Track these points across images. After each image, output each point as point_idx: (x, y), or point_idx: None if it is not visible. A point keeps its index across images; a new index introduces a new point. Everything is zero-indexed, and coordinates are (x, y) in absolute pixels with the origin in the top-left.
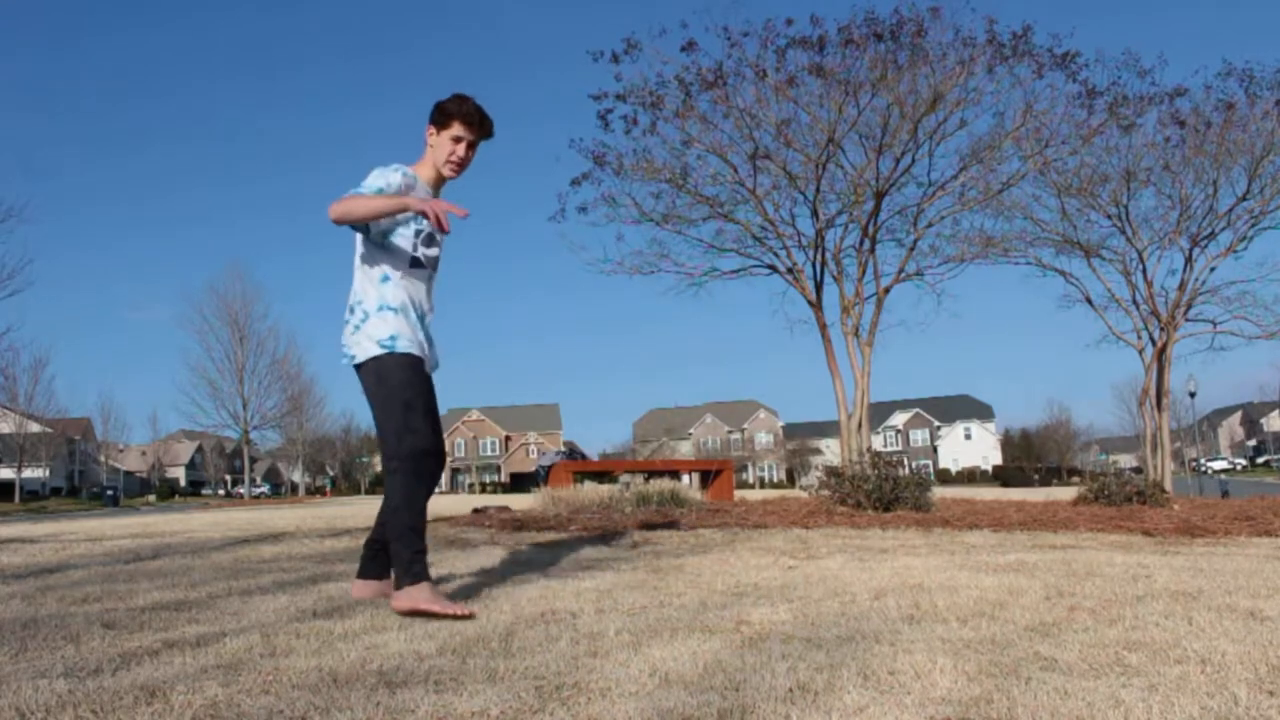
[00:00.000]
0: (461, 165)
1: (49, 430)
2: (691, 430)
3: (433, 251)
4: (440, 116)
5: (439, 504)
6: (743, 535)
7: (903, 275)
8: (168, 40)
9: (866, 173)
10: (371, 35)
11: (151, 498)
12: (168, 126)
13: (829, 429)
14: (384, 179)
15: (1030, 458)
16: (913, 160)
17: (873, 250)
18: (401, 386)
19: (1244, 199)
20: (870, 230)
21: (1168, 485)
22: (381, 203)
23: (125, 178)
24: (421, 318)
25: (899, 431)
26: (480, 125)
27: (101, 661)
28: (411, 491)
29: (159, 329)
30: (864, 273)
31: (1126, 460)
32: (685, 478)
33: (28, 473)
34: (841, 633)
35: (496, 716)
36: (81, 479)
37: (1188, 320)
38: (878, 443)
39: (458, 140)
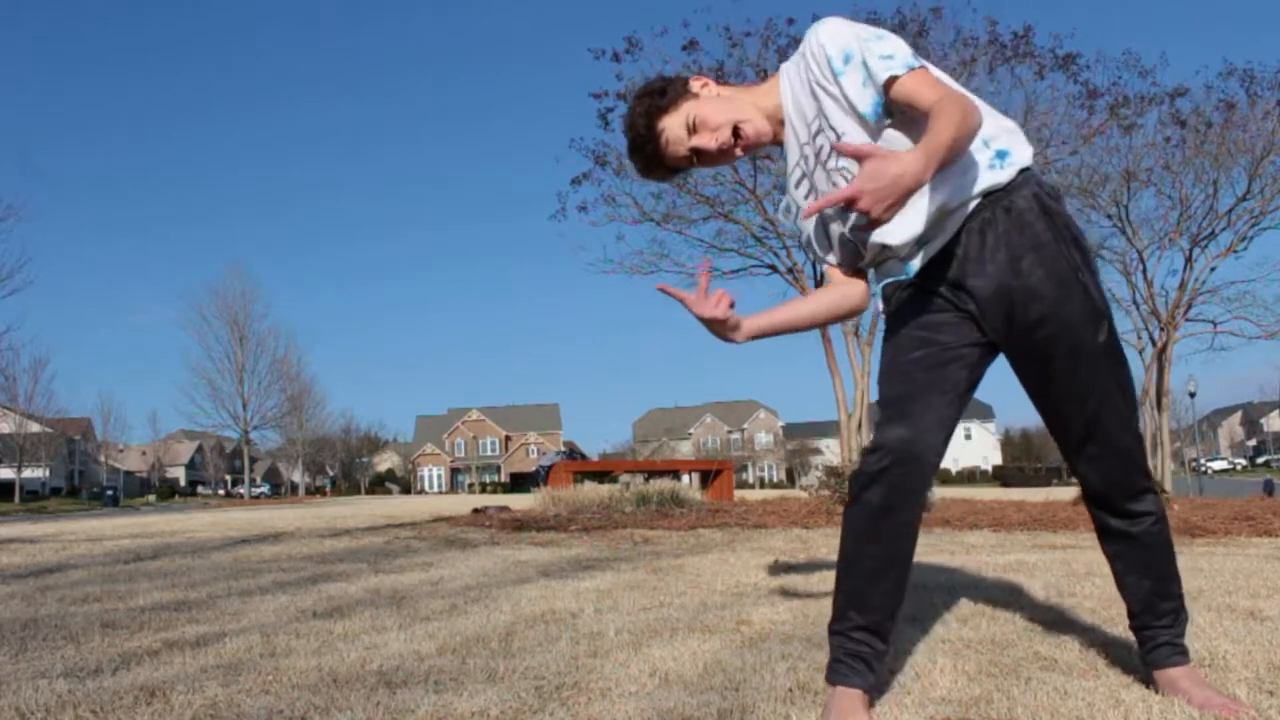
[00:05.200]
0: (716, 157)
1: (49, 430)
2: (691, 430)
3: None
4: None
5: (439, 504)
6: (743, 535)
7: None
8: (167, 36)
9: None
10: (370, 30)
11: (151, 498)
12: (168, 125)
13: (829, 429)
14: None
15: (1030, 458)
16: None
17: None
18: None
19: (1244, 199)
20: None
21: (1168, 485)
22: None
23: (125, 177)
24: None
25: None
26: (646, 170)
27: (101, 661)
28: None
29: (159, 329)
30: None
31: None
32: (685, 478)
33: (28, 473)
34: None
35: (496, 716)
36: (81, 479)
37: (1188, 320)
38: None
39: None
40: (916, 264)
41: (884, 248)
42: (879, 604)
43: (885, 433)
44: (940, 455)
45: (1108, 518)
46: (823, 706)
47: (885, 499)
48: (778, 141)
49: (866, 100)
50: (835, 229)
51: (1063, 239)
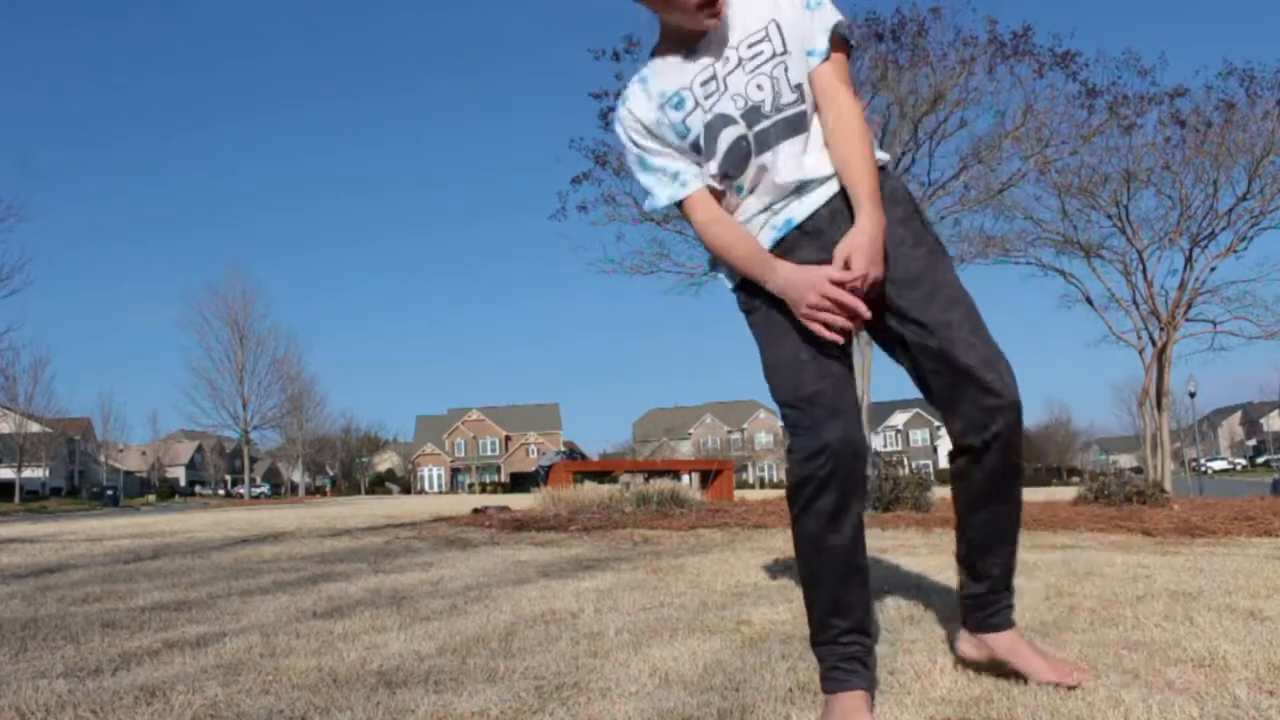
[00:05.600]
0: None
1: (49, 430)
2: (691, 430)
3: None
4: None
5: (439, 504)
6: (743, 535)
7: None
8: (167, 37)
9: None
10: (370, 30)
11: (151, 498)
12: (168, 125)
13: None
14: (622, 141)
15: (1030, 458)
16: (913, 160)
17: None
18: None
19: (1244, 199)
20: None
21: (1168, 485)
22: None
23: (126, 177)
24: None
25: (899, 431)
26: None
27: (101, 661)
28: None
29: (159, 329)
30: None
31: (1126, 460)
32: (685, 478)
33: (28, 473)
34: None
35: (496, 716)
36: (81, 479)
37: (1188, 320)
38: (878, 443)
39: None
40: (797, 217)
41: (762, 168)
42: (857, 601)
43: (824, 434)
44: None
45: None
46: (821, 711)
47: (837, 503)
48: (701, 31)
49: (811, 43)
50: (730, 133)
51: (927, 222)
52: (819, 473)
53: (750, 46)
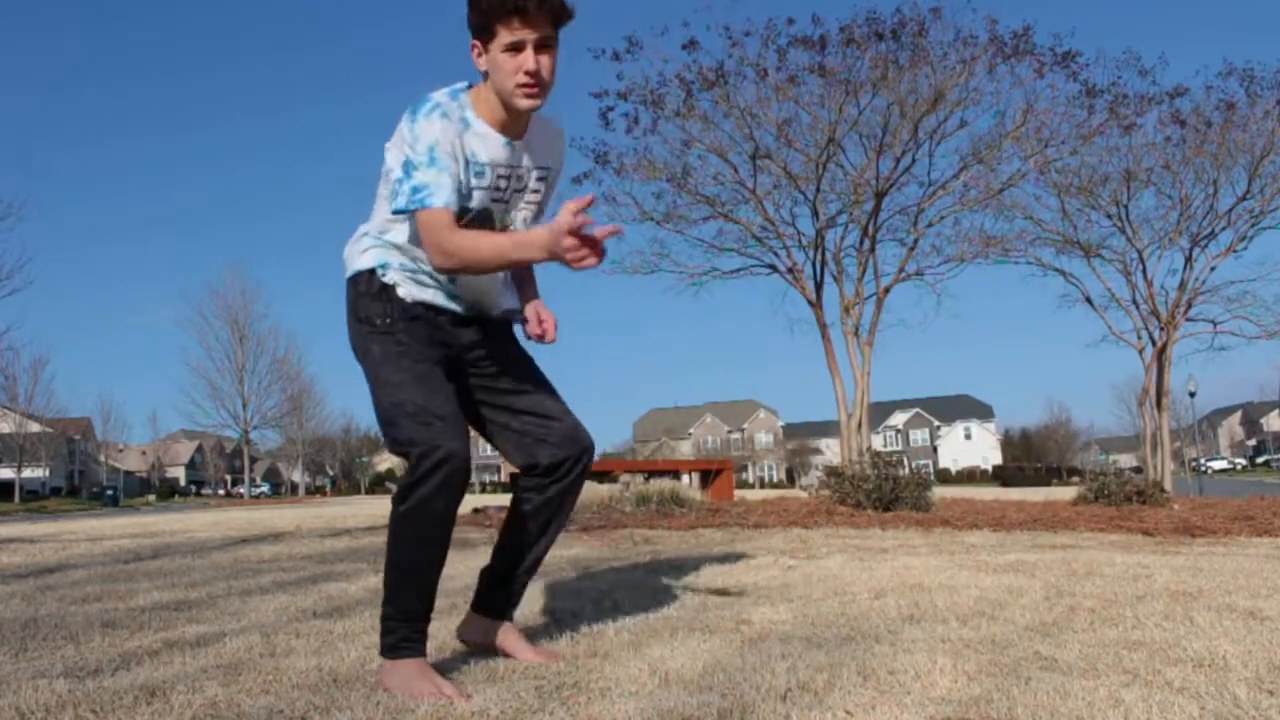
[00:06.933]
0: (538, 82)
1: (49, 430)
2: (691, 430)
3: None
4: (479, 20)
5: None
6: (743, 535)
7: (903, 275)
8: (166, 37)
9: (867, 172)
10: (370, 30)
11: (151, 497)
12: (168, 125)
13: (829, 429)
14: (430, 137)
15: (1030, 458)
16: (913, 160)
17: (873, 250)
18: None
19: (1244, 198)
20: (870, 230)
21: (1168, 485)
22: (504, 250)
23: (126, 177)
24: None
25: (899, 431)
26: (541, 6)
27: (101, 661)
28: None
29: (159, 329)
30: (864, 272)
31: (1126, 460)
32: (685, 478)
33: (28, 473)
34: (841, 632)
35: (496, 716)
36: (81, 479)
37: (1188, 320)
38: (878, 443)
39: (515, 48)
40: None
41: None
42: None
43: (454, 443)
44: None
45: None
46: (389, 673)
47: (454, 502)
48: (516, 120)
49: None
50: (483, 208)
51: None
52: (449, 472)
53: (538, 180)
